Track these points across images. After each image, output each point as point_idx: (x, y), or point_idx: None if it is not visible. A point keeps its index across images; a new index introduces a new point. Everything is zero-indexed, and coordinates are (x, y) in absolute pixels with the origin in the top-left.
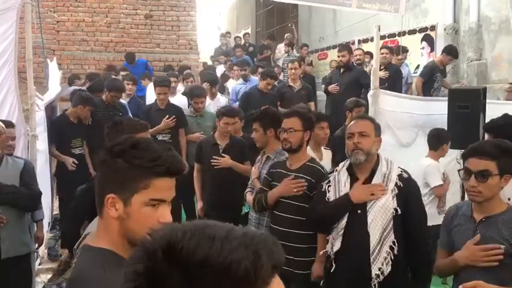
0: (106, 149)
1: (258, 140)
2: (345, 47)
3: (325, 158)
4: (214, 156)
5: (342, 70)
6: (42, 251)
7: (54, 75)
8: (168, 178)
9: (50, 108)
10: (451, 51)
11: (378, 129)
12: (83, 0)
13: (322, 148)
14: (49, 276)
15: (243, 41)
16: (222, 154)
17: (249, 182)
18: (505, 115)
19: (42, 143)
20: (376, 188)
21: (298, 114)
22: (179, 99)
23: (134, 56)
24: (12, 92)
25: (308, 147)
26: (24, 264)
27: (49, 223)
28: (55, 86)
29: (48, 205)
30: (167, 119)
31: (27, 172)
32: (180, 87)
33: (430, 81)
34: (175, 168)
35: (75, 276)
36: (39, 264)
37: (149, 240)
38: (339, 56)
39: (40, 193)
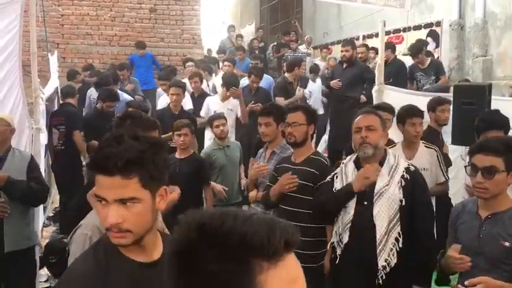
0: None
1: (270, 134)
2: (349, 42)
3: (422, 157)
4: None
5: (344, 65)
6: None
7: (54, 69)
8: (104, 175)
9: (49, 102)
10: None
11: (384, 124)
12: None
13: (423, 146)
14: None
15: (255, 35)
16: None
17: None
18: (494, 111)
19: (43, 137)
20: (369, 170)
21: (302, 109)
22: (185, 101)
23: (145, 44)
24: (16, 85)
25: (399, 144)
26: (28, 257)
27: (46, 218)
28: (54, 79)
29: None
30: None
31: (35, 166)
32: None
33: (413, 81)
34: (102, 165)
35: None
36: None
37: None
38: (342, 51)
39: (48, 188)
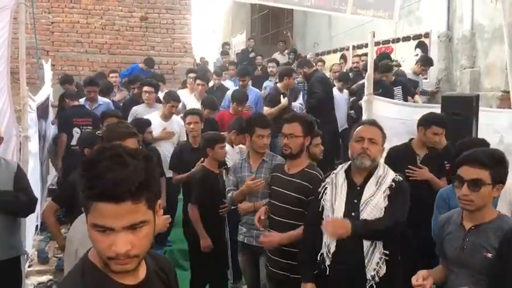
0: None
1: (266, 145)
2: (303, 63)
3: None
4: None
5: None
6: (33, 253)
7: (48, 76)
8: (110, 203)
9: (41, 109)
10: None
11: (384, 138)
12: (78, 1)
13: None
14: (39, 278)
15: (245, 46)
16: None
17: (229, 182)
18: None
19: (33, 145)
20: (337, 227)
21: (299, 120)
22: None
23: (154, 63)
24: (4, 92)
25: None
26: (13, 267)
27: (37, 226)
28: (47, 87)
29: (37, 208)
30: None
31: (22, 176)
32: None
33: None
34: (112, 193)
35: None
36: (29, 266)
37: None
38: (299, 73)
39: (36, 199)
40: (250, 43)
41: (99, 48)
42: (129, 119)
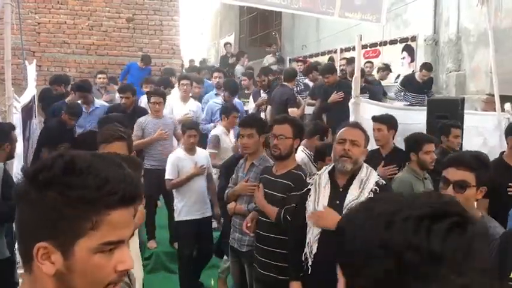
0: (26, 178)
1: (252, 146)
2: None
3: None
4: None
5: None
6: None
7: (32, 77)
8: (125, 209)
9: (26, 110)
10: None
11: (367, 140)
12: (65, 2)
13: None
14: None
15: (224, 52)
16: None
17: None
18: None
19: (18, 146)
20: (329, 217)
21: (290, 122)
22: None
23: (150, 60)
24: None
25: None
26: (8, 268)
27: None
28: (31, 88)
29: None
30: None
31: (9, 180)
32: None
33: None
34: (132, 194)
35: None
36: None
37: None
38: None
39: None
40: (228, 48)
41: (86, 49)
42: (135, 130)
